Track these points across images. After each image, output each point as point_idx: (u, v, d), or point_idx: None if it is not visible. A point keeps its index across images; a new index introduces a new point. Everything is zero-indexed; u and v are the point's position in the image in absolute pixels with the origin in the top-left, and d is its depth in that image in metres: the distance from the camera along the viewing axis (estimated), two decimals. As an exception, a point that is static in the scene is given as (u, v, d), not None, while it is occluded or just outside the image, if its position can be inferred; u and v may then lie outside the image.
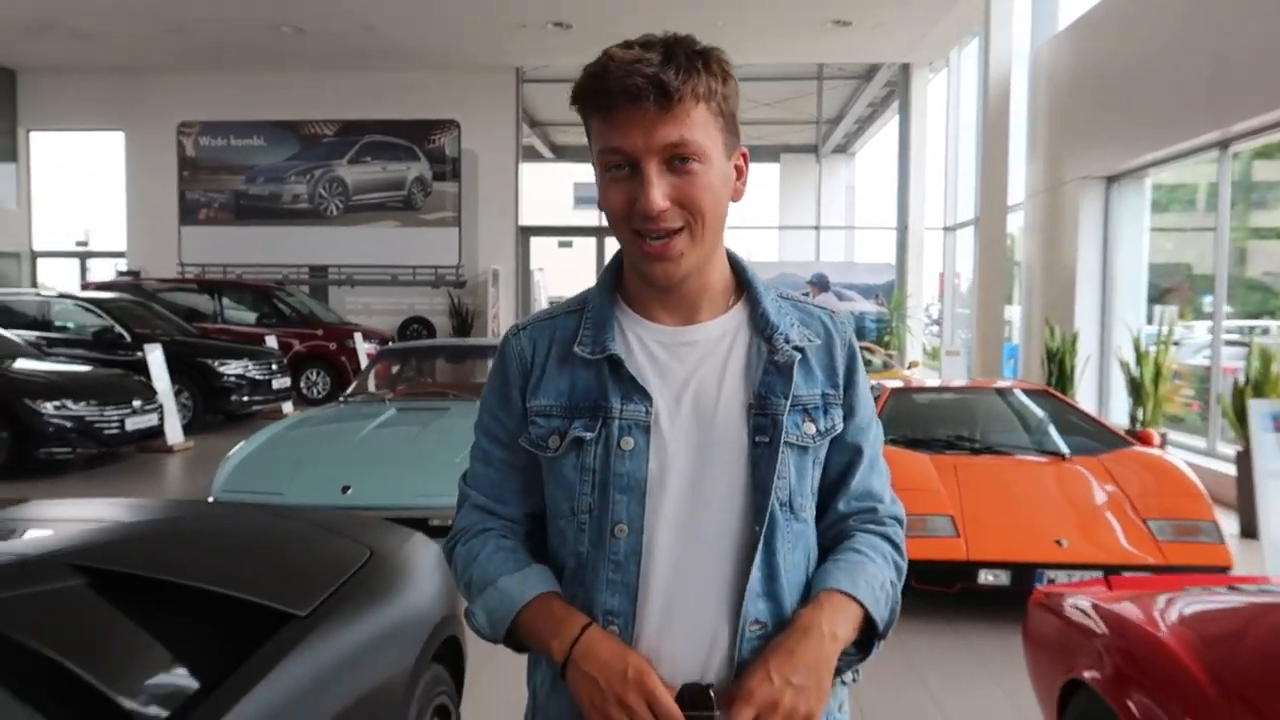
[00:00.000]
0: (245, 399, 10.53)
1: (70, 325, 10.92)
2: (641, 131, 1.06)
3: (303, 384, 12.97)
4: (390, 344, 13.52)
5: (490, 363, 6.57)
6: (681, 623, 1.13)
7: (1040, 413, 5.59)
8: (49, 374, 8.09)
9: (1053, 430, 5.31)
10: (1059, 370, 8.81)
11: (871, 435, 1.25)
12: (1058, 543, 4.20)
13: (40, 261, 17.12)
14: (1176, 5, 8.07)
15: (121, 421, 7.94)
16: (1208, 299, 8.49)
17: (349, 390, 6.36)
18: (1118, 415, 8.95)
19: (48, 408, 7.53)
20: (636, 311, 1.19)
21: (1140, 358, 7.59)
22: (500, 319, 15.84)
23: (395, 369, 6.60)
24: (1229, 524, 5.39)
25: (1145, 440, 5.18)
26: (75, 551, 1.71)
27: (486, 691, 3.24)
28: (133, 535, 1.97)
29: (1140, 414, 7.58)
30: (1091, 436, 5.22)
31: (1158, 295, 9.79)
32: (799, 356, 1.17)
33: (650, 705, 1.03)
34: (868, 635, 1.15)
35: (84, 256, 17.64)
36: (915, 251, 15.96)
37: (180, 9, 12.76)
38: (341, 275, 16.13)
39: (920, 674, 3.79)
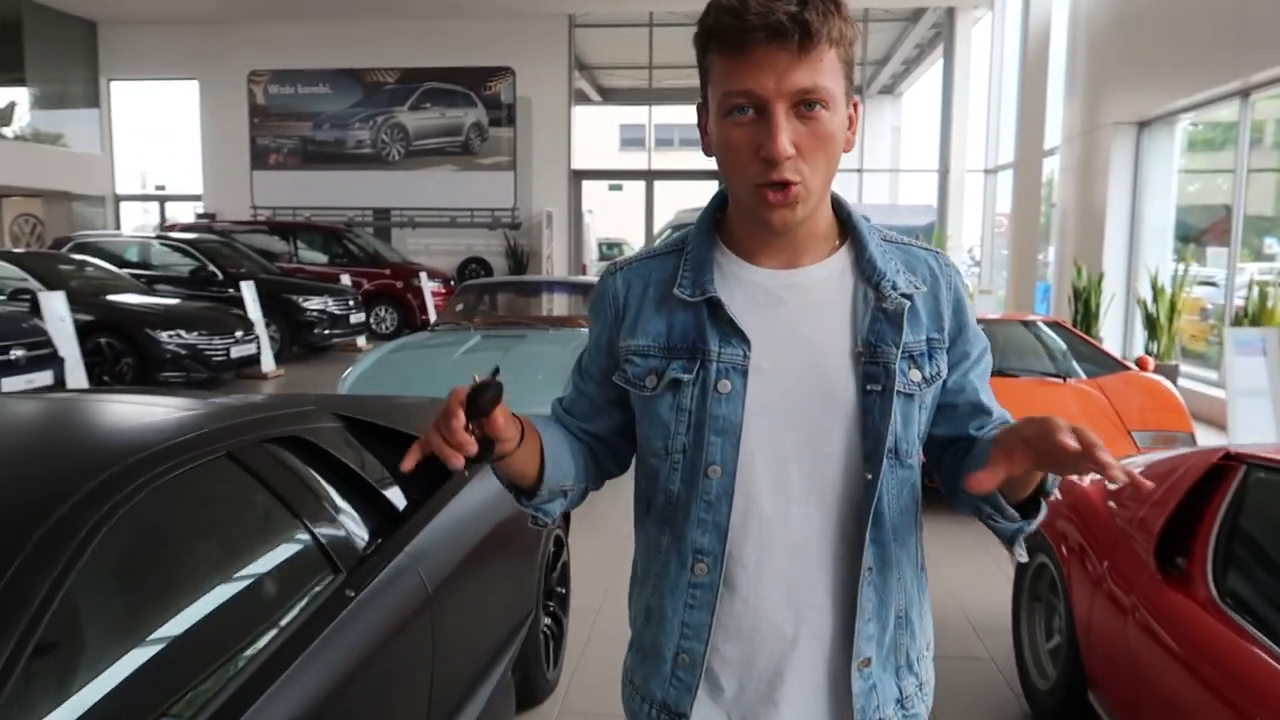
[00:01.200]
0: (326, 332, 11.48)
1: (166, 264, 11.91)
2: (775, 74, 1.03)
3: (371, 320, 13.90)
4: (464, 281, 14.43)
5: (557, 296, 7.41)
6: (780, 567, 1.14)
7: (1051, 342, 6.26)
8: (163, 307, 9.07)
9: (1059, 357, 5.98)
10: (1084, 308, 9.39)
11: (983, 367, 1.25)
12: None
13: (123, 205, 18.20)
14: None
15: (227, 350, 8.89)
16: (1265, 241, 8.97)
17: (436, 321, 7.21)
18: (1139, 349, 9.53)
19: (164, 337, 8.49)
20: (737, 254, 1.18)
21: (1156, 295, 8.16)
22: (554, 259, 16.62)
23: (476, 302, 7.42)
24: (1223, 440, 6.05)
25: (1142, 365, 5.84)
26: (331, 403, 2.53)
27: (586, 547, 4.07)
28: (343, 404, 2.78)
29: (1155, 348, 8.17)
30: (1095, 362, 5.89)
31: (1195, 236, 10.24)
32: (908, 304, 1.15)
33: (449, 413, 0.99)
34: (1031, 499, 1.13)
35: (163, 200, 18.69)
36: (956, 193, 16.39)
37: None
38: (403, 218, 16.98)
39: (933, 558, 4.55)
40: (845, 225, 1.21)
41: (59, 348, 7.09)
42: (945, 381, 1.20)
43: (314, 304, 11.36)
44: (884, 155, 21.33)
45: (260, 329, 9.90)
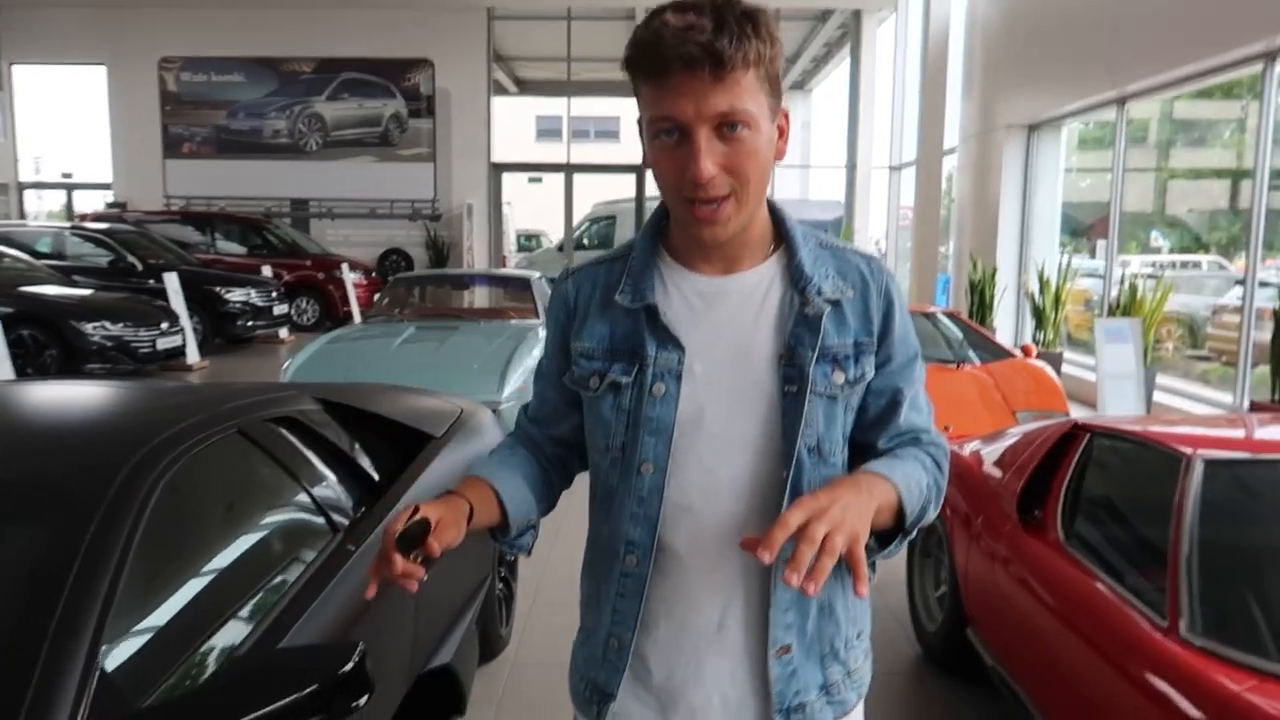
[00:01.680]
0: (249, 324, 11.50)
1: (80, 255, 11.74)
2: (693, 100, 1.08)
3: (293, 312, 13.88)
4: (385, 273, 14.52)
5: (482, 289, 7.69)
6: (707, 559, 1.21)
7: (949, 332, 6.82)
8: (87, 298, 9.03)
9: (956, 345, 6.54)
10: (980, 300, 10.08)
11: (913, 375, 1.28)
12: (945, 428, 5.45)
13: (26, 193, 17.67)
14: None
15: (153, 342, 8.92)
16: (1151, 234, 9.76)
17: (370, 312, 7.42)
18: (1029, 338, 10.27)
19: (89, 328, 8.48)
20: (678, 261, 1.25)
21: (1043, 288, 8.86)
22: (475, 251, 16.79)
23: (406, 295, 7.65)
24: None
25: (1026, 353, 6.44)
26: (309, 389, 2.82)
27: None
28: (318, 389, 3.06)
29: (1041, 337, 8.87)
30: (986, 350, 6.47)
31: (1084, 231, 11.03)
32: (829, 309, 1.20)
33: (383, 533, 1.07)
34: (890, 531, 1.18)
35: (70, 189, 18.19)
36: (863, 189, 17.11)
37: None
38: (322, 209, 16.91)
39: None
40: (780, 231, 1.26)
41: (-16, 340, 7.09)
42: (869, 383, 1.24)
43: (237, 295, 11.37)
44: (795, 150, 22.00)
45: (184, 321, 9.91)
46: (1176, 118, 9.68)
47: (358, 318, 12.05)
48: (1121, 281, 7.62)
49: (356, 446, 2.69)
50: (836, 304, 1.21)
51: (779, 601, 1.20)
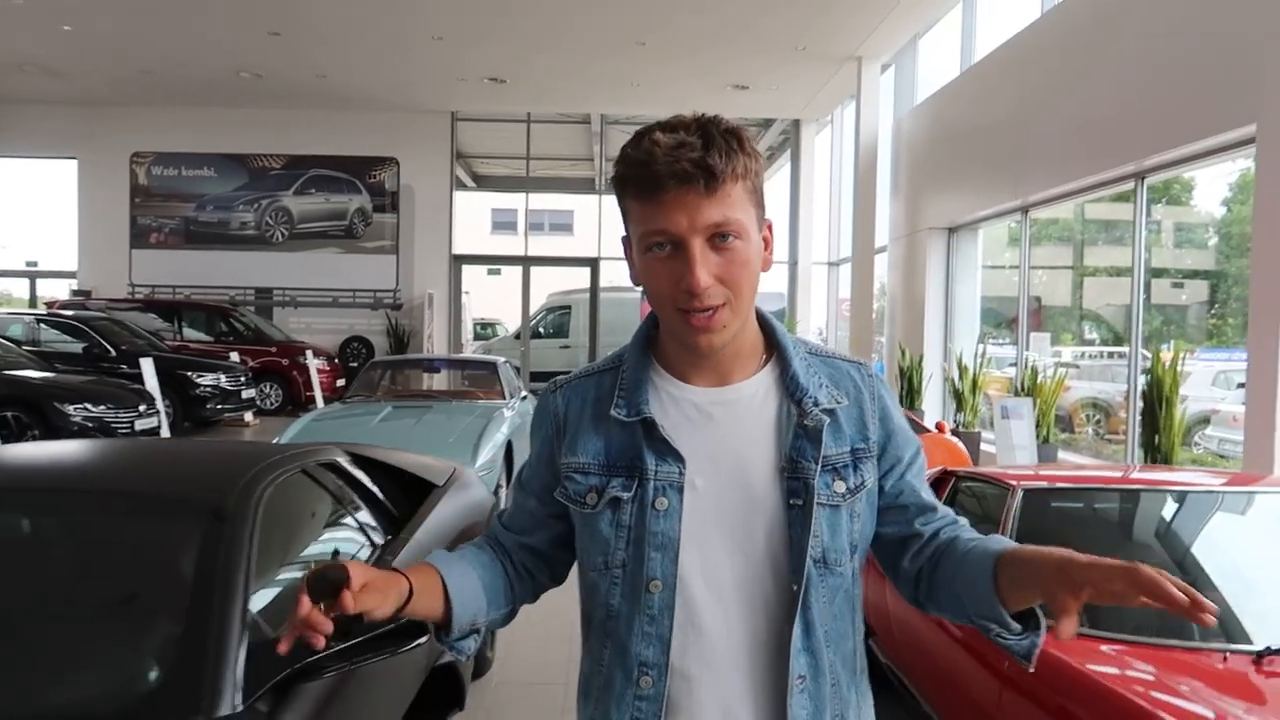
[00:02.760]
0: (219, 407, 11.97)
1: (49, 341, 12.16)
2: (687, 214, 1.11)
3: (257, 396, 14.33)
4: (347, 359, 15.06)
5: (450, 372, 8.40)
6: (721, 676, 1.18)
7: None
8: (69, 382, 9.49)
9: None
10: (908, 384, 10.98)
11: (918, 466, 1.30)
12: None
13: (-10, 280, 18.02)
14: (992, 94, 10.34)
15: (131, 423, 9.37)
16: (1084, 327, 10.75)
17: (349, 393, 8.04)
18: (951, 419, 11.15)
19: (71, 410, 8.94)
20: (670, 373, 1.24)
21: (961, 373, 9.76)
22: (435, 339, 17.43)
23: (380, 377, 8.28)
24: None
25: (940, 429, 7.25)
26: (335, 445, 3.46)
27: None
28: (344, 446, 3.70)
29: (961, 417, 9.74)
30: (906, 427, 7.28)
31: (1005, 322, 12.03)
32: (827, 420, 1.20)
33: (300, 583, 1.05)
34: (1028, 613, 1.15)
35: (34, 276, 18.56)
36: (804, 283, 18.19)
37: (152, 52, 14.07)
38: (285, 297, 17.50)
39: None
40: (770, 341, 1.27)
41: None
42: (884, 486, 1.26)
43: (207, 379, 11.86)
44: (741, 245, 23.13)
45: (158, 403, 10.36)
46: (1090, 218, 10.77)
47: (320, 403, 12.59)
48: (1024, 366, 8.54)
49: (377, 489, 3.34)
50: (831, 413, 1.22)
51: (796, 719, 1.18)
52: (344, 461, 3.15)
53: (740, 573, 1.18)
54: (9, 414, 8.79)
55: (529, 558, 1.34)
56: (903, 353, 11.30)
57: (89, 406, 9.04)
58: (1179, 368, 6.18)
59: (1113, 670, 2.21)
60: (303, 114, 17.10)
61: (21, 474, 2.46)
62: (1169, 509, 2.94)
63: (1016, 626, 1.13)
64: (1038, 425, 7.79)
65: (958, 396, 9.86)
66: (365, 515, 2.97)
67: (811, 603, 1.17)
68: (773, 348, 1.27)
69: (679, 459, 1.18)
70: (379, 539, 2.91)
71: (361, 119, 17.17)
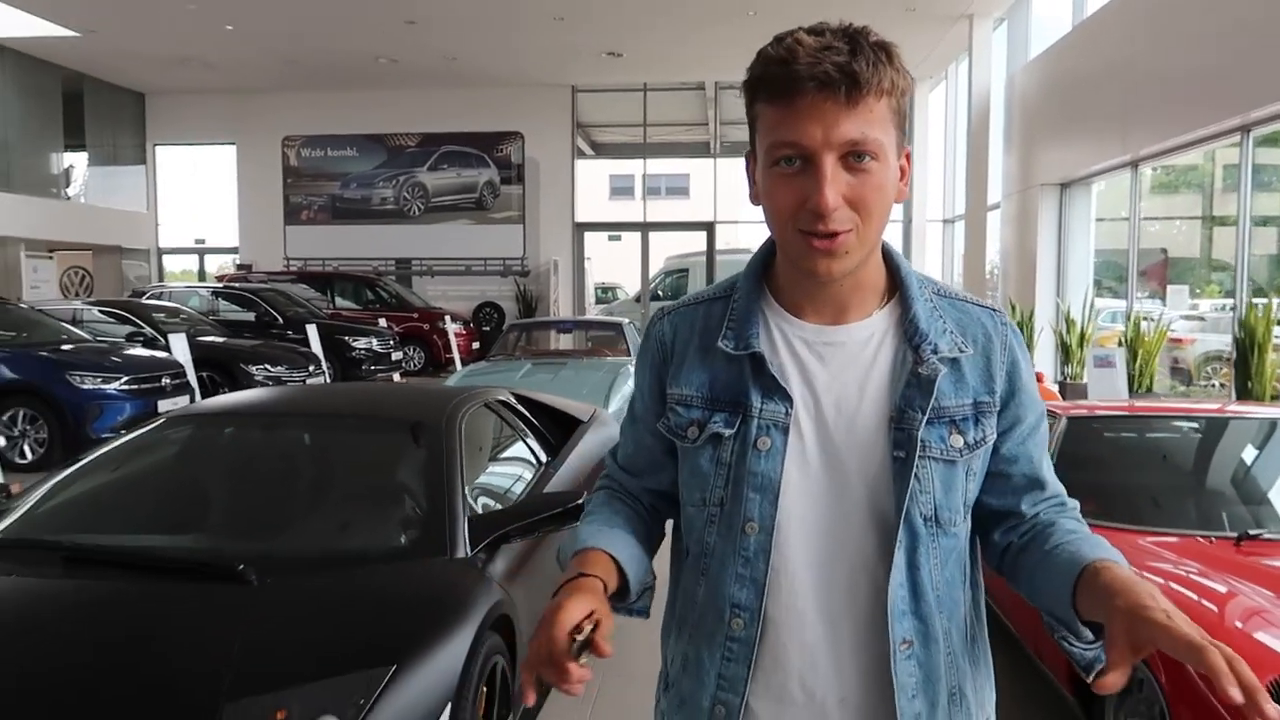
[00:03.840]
0: (372, 368, 13.23)
1: (219, 310, 13.65)
2: (823, 125, 1.03)
3: (403, 359, 15.62)
4: (480, 322, 16.19)
5: (579, 333, 9.33)
6: (816, 630, 1.13)
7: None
8: (249, 346, 10.81)
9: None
10: (1019, 338, 11.25)
11: (1041, 436, 1.20)
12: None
13: (165, 257, 19.97)
14: (1100, 48, 10.44)
15: (303, 381, 10.61)
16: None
17: (491, 353, 9.00)
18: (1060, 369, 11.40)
19: (254, 370, 10.21)
20: (783, 305, 1.18)
21: (1069, 327, 10.04)
22: (560, 303, 18.45)
23: (518, 338, 9.22)
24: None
25: (1039, 379, 7.65)
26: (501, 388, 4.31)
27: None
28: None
29: (1069, 369, 10.03)
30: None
31: (1124, 276, 12.05)
32: (945, 370, 1.12)
33: (549, 638, 1.02)
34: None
35: (201, 253, 20.46)
36: (919, 240, 18.38)
37: (297, 43, 15.37)
38: (423, 266, 18.81)
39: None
40: (895, 279, 1.19)
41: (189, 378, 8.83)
42: (997, 448, 1.17)
43: (361, 343, 13.12)
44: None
45: (323, 364, 11.63)
46: (1228, 164, 10.62)
47: (459, 364, 13.72)
48: (1130, 319, 8.80)
49: (536, 422, 4.16)
50: (955, 361, 1.14)
51: (904, 687, 1.12)
52: (512, 399, 3.98)
53: (841, 526, 1.12)
54: (204, 374, 10.12)
55: (658, 500, 1.31)
56: (1013, 308, 11.57)
57: (268, 367, 10.30)
58: (1272, 315, 6.45)
59: (1131, 553, 2.82)
60: (434, 94, 18.23)
61: (312, 403, 3.38)
62: (1189, 432, 3.48)
63: (1088, 635, 1.07)
64: (1141, 375, 8.09)
65: (1065, 349, 10.14)
66: (531, 441, 3.79)
67: (920, 563, 1.11)
68: (896, 287, 1.18)
69: (786, 398, 1.13)
70: (543, 458, 3.73)
71: (488, 96, 18.19)
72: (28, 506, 2.91)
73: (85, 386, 7.79)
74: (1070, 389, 8.92)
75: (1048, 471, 1.21)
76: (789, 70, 1.04)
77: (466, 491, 2.83)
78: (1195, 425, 3.45)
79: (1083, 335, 9.99)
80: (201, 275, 20.04)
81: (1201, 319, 10.47)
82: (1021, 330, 11.14)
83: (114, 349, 9.05)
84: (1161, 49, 8.92)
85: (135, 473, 3.14)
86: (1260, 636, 2.23)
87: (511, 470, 3.49)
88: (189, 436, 3.26)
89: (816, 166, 1.04)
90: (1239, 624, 2.29)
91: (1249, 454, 3.40)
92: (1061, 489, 1.22)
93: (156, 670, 2.11)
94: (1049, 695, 3.13)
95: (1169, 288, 11.26)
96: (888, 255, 1.18)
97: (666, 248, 20.30)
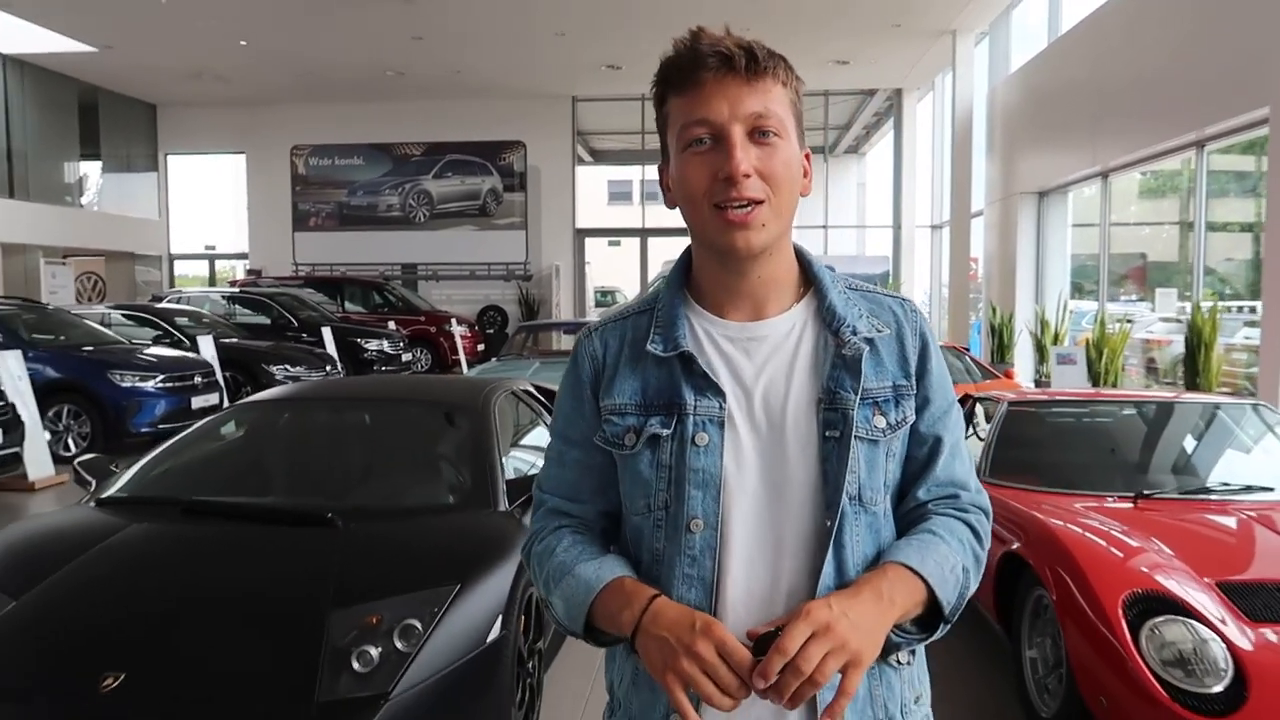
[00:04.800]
0: (383, 368, 13.82)
1: (233, 314, 14.24)
2: (728, 100, 1.10)
3: (412, 360, 16.21)
4: (484, 326, 16.76)
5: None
6: (758, 616, 1.13)
7: (950, 362, 8.70)
8: (269, 346, 11.41)
9: (954, 369, 8.41)
10: (999, 340, 11.89)
11: (951, 422, 1.24)
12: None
13: (176, 263, 20.56)
14: (1070, 63, 11.07)
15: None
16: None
17: (501, 352, 9.61)
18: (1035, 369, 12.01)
19: (275, 369, 10.81)
20: (705, 308, 1.22)
21: (1043, 328, 10.65)
22: (561, 306, 19.07)
23: (526, 339, 9.82)
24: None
25: (1008, 375, 8.28)
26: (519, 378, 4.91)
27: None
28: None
29: (1043, 367, 10.64)
30: (980, 374, 8.33)
31: (1117, 280, 12.67)
32: (867, 349, 1.17)
33: (720, 652, 1.02)
34: (932, 617, 1.13)
35: (211, 259, 21.05)
36: (908, 246, 19.01)
37: (307, 56, 15.96)
38: (428, 271, 19.42)
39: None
40: (807, 275, 1.23)
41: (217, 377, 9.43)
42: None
43: (373, 345, 13.73)
44: (851, 211, 23.93)
45: (338, 366, 12.23)
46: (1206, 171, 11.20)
47: (464, 366, 14.32)
48: (1098, 321, 9.43)
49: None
50: (871, 343, 1.19)
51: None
52: (531, 389, 4.59)
53: (779, 511, 1.15)
54: (227, 374, 10.71)
55: (610, 525, 1.29)
56: (994, 310, 12.19)
57: (288, 367, 10.90)
58: (1217, 316, 7.08)
59: (1044, 508, 3.44)
60: (440, 105, 18.86)
61: (368, 390, 3.99)
62: (1111, 414, 4.11)
63: (907, 625, 1.13)
64: (1106, 372, 8.70)
65: (1040, 349, 10.76)
66: (548, 421, 4.40)
67: (845, 541, 1.14)
68: (809, 282, 1.24)
69: (718, 393, 1.16)
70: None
71: (491, 107, 18.81)
72: (132, 474, 3.50)
73: (125, 384, 8.39)
74: (1043, 386, 9.53)
75: (954, 461, 1.23)
76: (692, 50, 1.14)
77: (502, 459, 3.43)
78: (1111, 409, 4.08)
79: (1056, 336, 10.61)
80: (211, 280, 20.63)
81: (1179, 321, 11.08)
82: (1002, 332, 11.84)
83: (147, 350, 9.65)
84: (1126, 67, 9.56)
85: (220, 448, 3.75)
86: (1131, 563, 2.86)
87: (535, 443, 4.10)
88: (264, 418, 3.87)
89: (726, 139, 1.11)
90: (1119, 554, 2.92)
91: (1150, 431, 4.05)
92: (969, 482, 1.24)
93: (270, 591, 2.71)
94: (974, 619, 3.75)
95: (1157, 291, 11.83)
96: (799, 253, 1.25)
97: (665, 252, 20.93)
